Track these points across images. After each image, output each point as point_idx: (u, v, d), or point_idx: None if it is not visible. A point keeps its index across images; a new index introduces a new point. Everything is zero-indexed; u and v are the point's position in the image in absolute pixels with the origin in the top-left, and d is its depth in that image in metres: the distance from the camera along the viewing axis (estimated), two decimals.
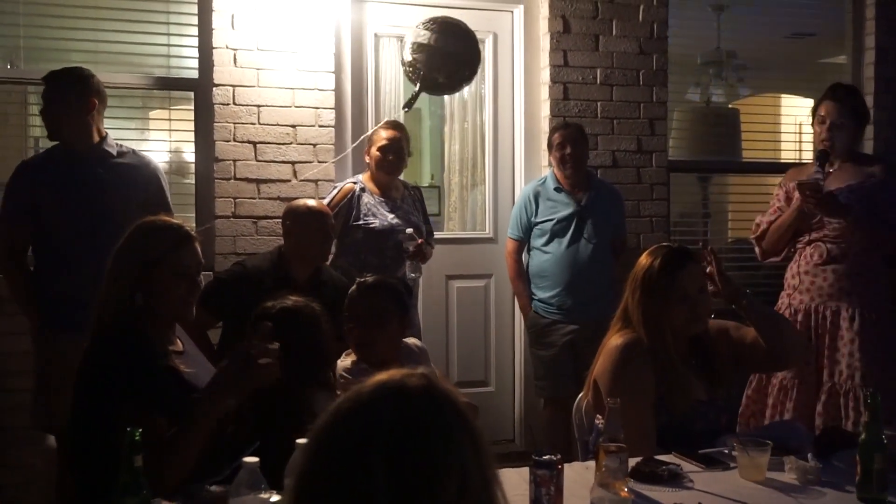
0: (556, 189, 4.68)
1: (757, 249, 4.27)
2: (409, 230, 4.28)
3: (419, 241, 4.29)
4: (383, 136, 4.40)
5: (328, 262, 4.38)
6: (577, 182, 4.68)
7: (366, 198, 4.37)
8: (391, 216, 4.37)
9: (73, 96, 3.73)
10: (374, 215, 4.35)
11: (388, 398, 1.24)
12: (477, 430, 1.28)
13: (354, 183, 4.43)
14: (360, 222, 4.33)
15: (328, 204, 4.35)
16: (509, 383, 5.42)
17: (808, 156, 6.34)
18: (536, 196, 4.70)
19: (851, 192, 3.98)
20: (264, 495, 1.90)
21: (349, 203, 4.34)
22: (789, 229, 4.09)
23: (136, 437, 1.89)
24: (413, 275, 4.32)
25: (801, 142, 6.42)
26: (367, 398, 1.25)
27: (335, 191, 4.43)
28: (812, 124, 4.18)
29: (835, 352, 3.99)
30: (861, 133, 4.23)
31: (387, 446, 1.20)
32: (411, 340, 3.44)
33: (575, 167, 4.64)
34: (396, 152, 4.40)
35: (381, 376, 1.29)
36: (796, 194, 3.97)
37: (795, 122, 6.48)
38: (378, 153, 4.38)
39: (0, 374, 4.35)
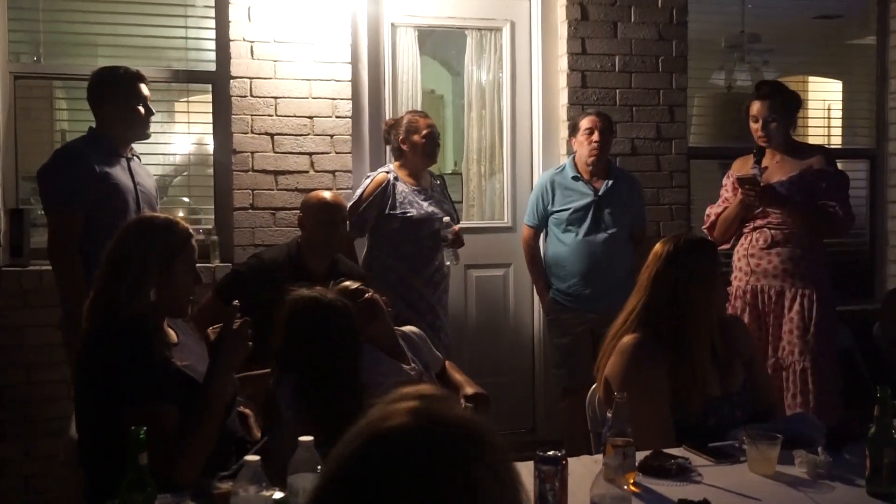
0: (573, 178, 4.64)
1: (709, 239, 4.44)
2: (446, 218, 4.34)
3: (456, 228, 4.34)
4: (424, 123, 4.43)
5: (363, 254, 4.46)
6: (597, 171, 4.65)
7: (400, 187, 4.39)
8: (426, 204, 4.40)
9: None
10: (411, 204, 4.36)
11: (369, 447, 1.12)
12: (491, 463, 1.13)
13: (388, 173, 4.43)
14: (398, 212, 4.34)
15: (361, 195, 4.37)
16: (528, 372, 5.42)
17: (836, 140, 6.28)
18: (553, 184, 4.67)
19: (792, 183, 4.27)
20: (266, 493, 1.92)
21: (383, 193, 4.35)
22: (736, 219, 4.37)
23: (141, 436, 1.92)
24: (451, 262, 4.41)
25: (829, 126, 6.35)
26: (359, 452, 1.12)
27: (368, 181, 4.44)
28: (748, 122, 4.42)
29: (778, 329, 4.31)
30: (793, 122, 4.48)
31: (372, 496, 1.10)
32: (408, 328, 3.44)
33: (598, 155, 4.61)
34: (438, 138, 4.49)
35: (366, 419, 1.16)
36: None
37: (824, 106, 6.41)
38: (423, 140, 4.40)
39: (26, 367, 4.41)
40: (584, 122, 4.64)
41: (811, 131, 6.21)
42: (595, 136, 4.59)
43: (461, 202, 5.48)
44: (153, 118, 3.95)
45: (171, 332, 2.66)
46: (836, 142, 6.28)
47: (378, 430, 1.13)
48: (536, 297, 5.11)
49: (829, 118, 6.38)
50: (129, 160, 3.88)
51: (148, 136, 3.97)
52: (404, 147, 4.45)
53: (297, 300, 2.78)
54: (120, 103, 3.81)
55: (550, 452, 2.15)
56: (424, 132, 4.41)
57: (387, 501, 1.08)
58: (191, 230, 2.63)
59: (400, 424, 1.12)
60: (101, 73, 3.89)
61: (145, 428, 1.93)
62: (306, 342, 2.68)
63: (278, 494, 1.93)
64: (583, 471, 2.42)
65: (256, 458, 1.95)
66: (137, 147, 4.09)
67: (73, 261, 3.65)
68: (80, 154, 3.74)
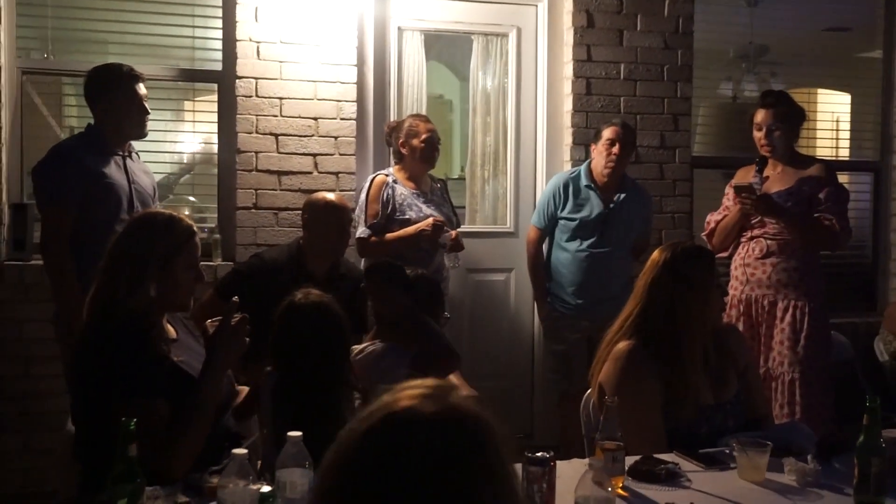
0: (587, 186, 4.59)
1: (708, 246, 4.46)
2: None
3: (453, 233, 4.34)
4: (424, 128, 4.43)
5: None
6: (611, 182, 4.60)
7: (399, 190, 4.39)
8: (425, 207, 4.40)
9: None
10: (410, 207, 4.37)
11: (390, 425, 1.13)
12: (498, 453, 1.16)
13: (386, 175, 4.44)
14: (396, 215, 4.35)
15: (367, 197, 4.38)
16: (527, 378, 5.42)
17: (843, 153, 6.28)
18: (566, 188, 4.61)
19: (790, 193, 4.27)
20: (253, 486, 1.93)
21: (385, 195, 4.37)
22: (735, 227, 4.39)
23: (131, 427, 1.94)
24: (452, 265, 4.46)
25: (837, 139, 6.35)
26: (375, 428, 1.14)
27: (368, 183, 4.46)
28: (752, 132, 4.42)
29: (770, 339, 4.31)
30: (796, 133, 4.45)
31: (394, 484, 1.10)
32: None
33: (615, 168, 4.55)
34: (437, 143, 4.48)
35: (379, 403, 1.17)
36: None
37: (832, 118, 6.40)
38: (423, 144, 4.41)
39: (26, 361, 4.44)
40: (607, 133, 4.55)
41: (819, 143, 6.20)
42: (615, 149, 4.52)
43: (464, 207, 5.49)
44: (151, 117, 3.93)
45: (171, 329, 2.67)
46: (844, 154, 6.28)
47: (397, 410, 1.14)
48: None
49: (837, 130, 6.38)
50: (125, 158, 3.88)
51: (144, 136, 3.96)
52: (404, 151, 4.46)
53: (291, 300, 2.80)
54: (115, 102, 3.81)
55: (539, 454, 2.15)
56: (424, 137, 4.41)
57: (408, 477, 1.09)
58: (194, 227, 2.63)
59: (418, 406, 1.14)
60: (98, 70, 3.89)
61: (135, 420, 1.94)
62: (290, 341, 2.71)
63: (266, 488, 1.94)
64: (572, 473, 2.41)
65: (244, 451, 1.96)
66: (143, 144, 4.11)
67: (63, 257, 3.67)
68: (73, 152, 3.76)
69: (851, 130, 6.37)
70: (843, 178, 5.58)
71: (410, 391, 1.17)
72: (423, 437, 1.12)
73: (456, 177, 6.81)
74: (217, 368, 2.48)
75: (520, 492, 1.19)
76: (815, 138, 6.17)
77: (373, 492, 1.10)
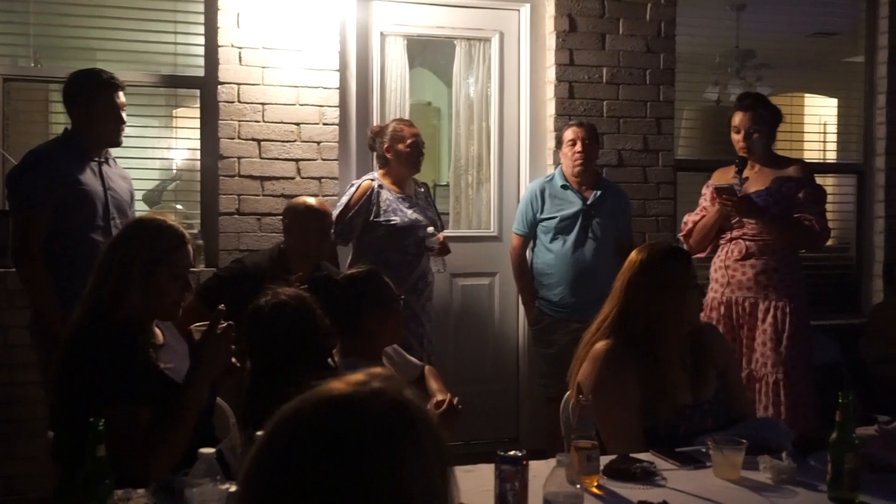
0: (563, 186, 4.67)
1: (685, 247, 4.46)
2: (430, 229, 4.37)
3: (441, 236, 4.37)
4: (408, 132, 4.45)
5: (348, 261, 4.45)
6: (585, 180, 4.68)
7: (384, 194, 4.40)
8: (410, 211, 4.41)
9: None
10: (395, 212, 4.37)
11: (300, 409, 1.13)
12: (414, 437, 1.13)
13: (372, 180, 4.45)
14: (382, 219, 4.35)
15: (348, 203, 4.38)
16: (513, 381, 5.42)
17: (830, 156, 6.30)
18: (543, 192, 4.70)
19: (769, 194, 4.28)
20: (222, 486, 1.93)
21: (368, 201, 4.37)
22: (713, 228, 4.37)
23: (100, 427, 1.93)
24: (438, 270, 4.50)
25: (825, 142, 6.36)
26: (287, 409, 1.14)
27: (353, 188, 4.46)
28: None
29: (752, 341, 4.31)
30: (774, 135, 4.47)
31: (303, 466, 1.09)
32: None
33: (583, 165, 4.64)
34: (422, 147, 4.50)
35: (324, 387, 1.16)
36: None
37: (819, 122, 6.43)
38: (408, 149, 4.43)
39: (9, 368, 4.42)
40: (568, 134, 4.68)
41: (806, 146, 6.22)
42: (577, 147, 4.62)
43: (448, 213, 5.49)
44: (133, 124, 3.93)
45: (158, 333, 2.66)
46: (832, 157, 6.30)
47: (314, 394, 1.14)
48: (521, 306, 5.11)
49: (824, 133, 6.40)
50: (101, 164, 3.85)
51: (119, 144, 3.93)
52: (389, 155, 4.46)
53: (256, 303, 2.81)
54: (94, 108, 3.78)
55: (511, 452, 2.15)
56: (409, 141, 4.43)
57: (308, 462, 1.08)
58: (186, 236, 2.61)
59: (336, 390, 1.13)
60: (79, 75, 3.85)
61: (103, 420, 1.94)
62: (259, 342, 2.73)
63: (234, 488, 1.93)
64: (547, 472, 2.42)
65: (211, 450, 1.95)
66: (126, 151, 4.09)
67: (36, 262, 3.64)
68: (49, 157, 3.73)
69: (839, 134, 6.39)
70: (828, 180, 5.61)
71: (348, 378, 1.16)
72: (326, 415, 1.11)
73: (444, 183, 6.81)
74: (201, 377, 2.46)
75: (450, 486, 1.15)
76: (803, 141, 6.19)
77: (277, 467, 1.09)
